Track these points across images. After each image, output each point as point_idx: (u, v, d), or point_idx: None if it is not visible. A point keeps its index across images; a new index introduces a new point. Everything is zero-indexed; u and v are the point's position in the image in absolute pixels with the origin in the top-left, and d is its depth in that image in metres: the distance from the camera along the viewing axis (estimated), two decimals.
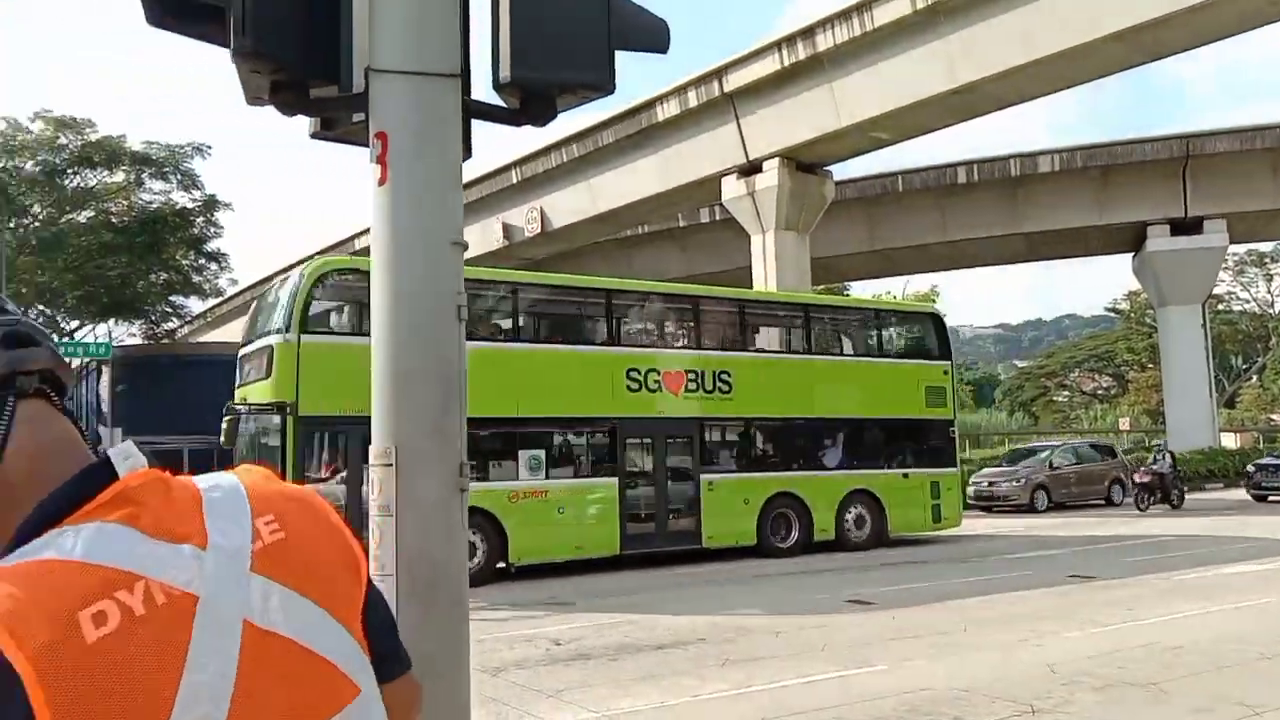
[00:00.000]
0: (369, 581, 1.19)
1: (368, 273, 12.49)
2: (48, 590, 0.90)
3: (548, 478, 14.79)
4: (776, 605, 11.38)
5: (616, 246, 37.39)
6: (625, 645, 9.22)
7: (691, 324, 17.39)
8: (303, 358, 13.09)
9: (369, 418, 10.55)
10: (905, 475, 17.91)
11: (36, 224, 27.10)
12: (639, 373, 15.65)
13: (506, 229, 32.22)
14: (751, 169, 25.84)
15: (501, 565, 14.44)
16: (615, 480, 15.45)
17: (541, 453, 14.91)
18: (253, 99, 2.33)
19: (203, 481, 1.10)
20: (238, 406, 13.99)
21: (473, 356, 12.15)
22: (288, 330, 13.26)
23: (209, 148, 29.58)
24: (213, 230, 30.17)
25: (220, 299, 40.53)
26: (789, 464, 17.26)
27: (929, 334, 19.52)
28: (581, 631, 9.92)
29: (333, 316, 15.22)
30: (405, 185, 2.24)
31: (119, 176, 28.44)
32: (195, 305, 40.20)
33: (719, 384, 16.29)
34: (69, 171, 27.61)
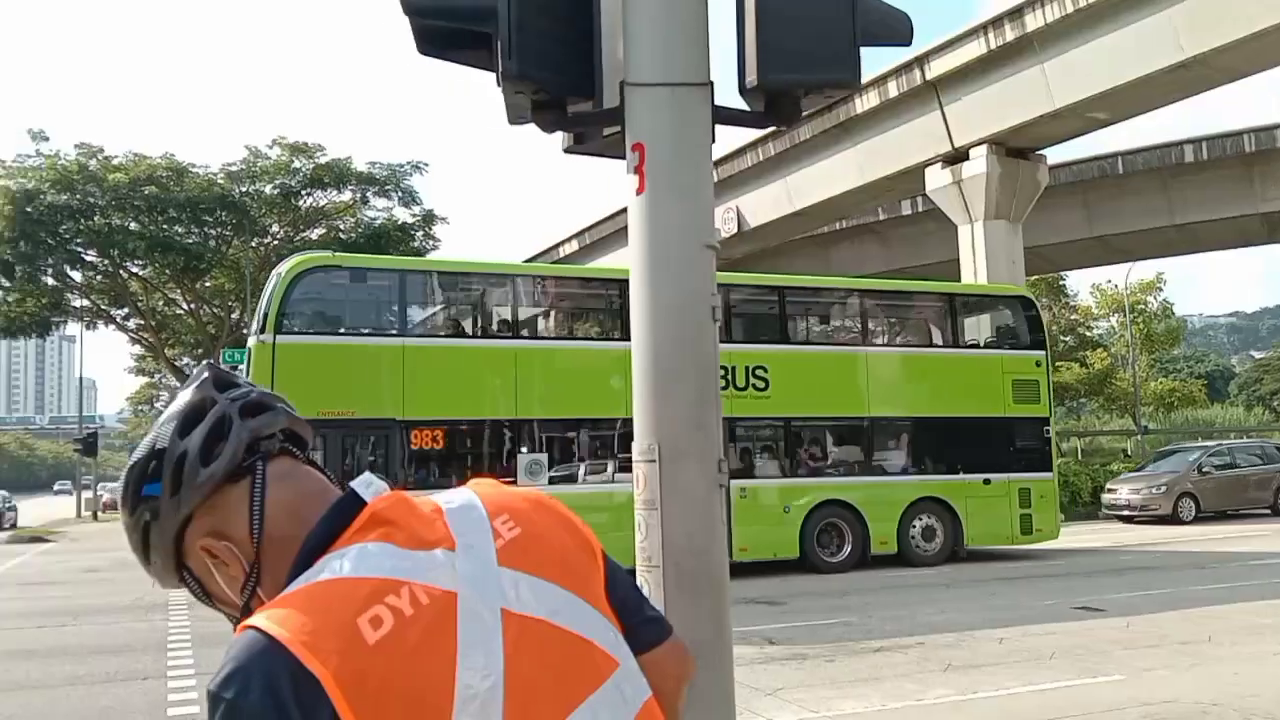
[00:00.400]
0: (606, 559, 1.27)
1: (350, 269, 12.82)
2: (329, 605, 1.04)
3: (550, 483, 13.60)
4: (996, 611, 10.97)
5: (813, 243, 36.95)
6: (841, 646, 9.14)
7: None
8: (278, 359, 12.67)
9: (349, 420, 11.52)
10: (986, 481, 15.74)
11: (276, 242, 29.50)
12: None
13: (740, 215, 32.30)
14: (957, 157, 24.97)
15: None
16: (628, 486, 14.32)
17: (542, 457, 13.82)
18: (515, 119, 2.50)
19: (439, 497, 1.22)
20: None
21: (464, 354, 12.94)
22: (263, 331, 12.88)
23: (426, 165, 31.31)
24: (430, 243, 31.87)
25: None
26: (840, 469, 15.61)
27: (1018, 320, 17.22)
28: (795, 631, 9.89)
29: (313, 316, 14.47)
30: (662, 193, 2.34)
31: (346, 195, 30.54)
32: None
33: (753, 380, 14.69)
34: (302, 193, 29.89)
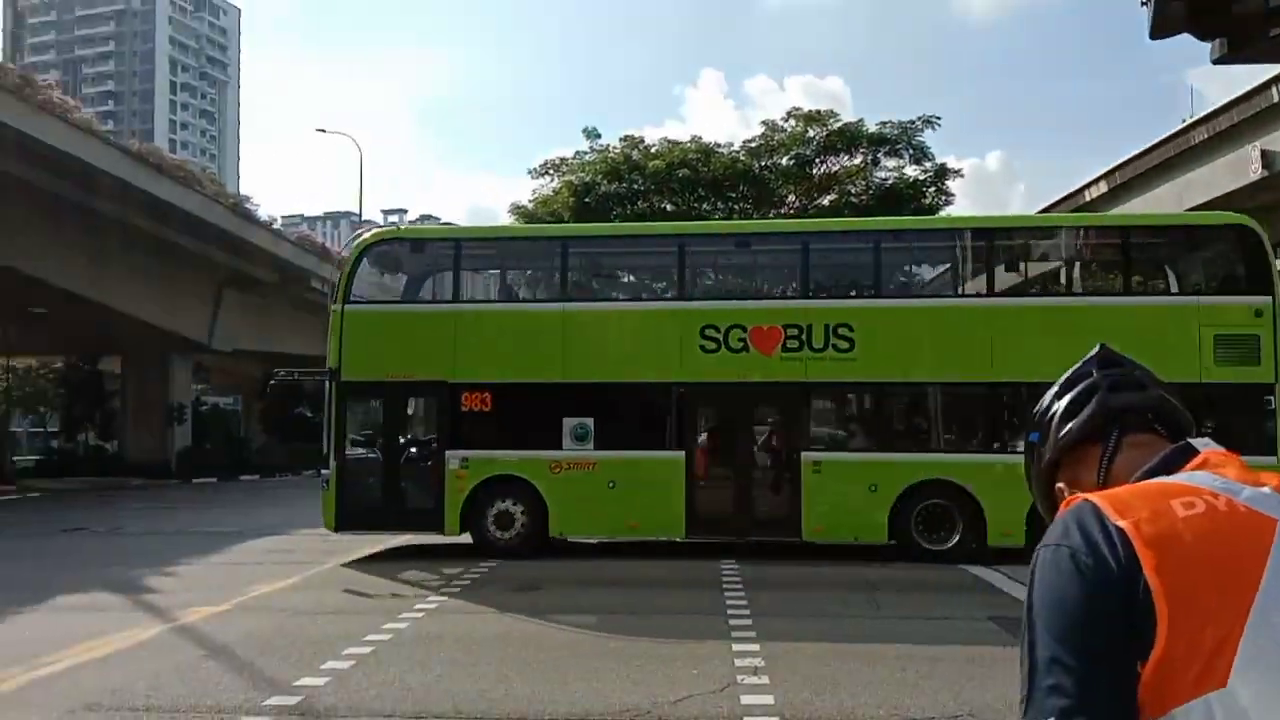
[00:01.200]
0: None
1: (411, 241, 14.44)
2: (1145, 490, 1.24)
3: (597, 448, 13.61)
4: None
5: None
6: None
7: (792, 268, 14.75)
8: (346, 326, 13.73)
9: (408, 382, 13.19)
10: None
11: (791, 212, 30.68)
12: (717, 330, 13.46)
13: (1266, 156, 27.99)
14: None
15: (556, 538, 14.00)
16: (681, 455, 13.55)
17: (589, 421, 13.69)
18: (1160, 32, 2.30)
19: None
20: (279, 373, 15.29)
21: (513, 318, 14.28)
22: (334, 300, 14.14)
23: (939, 119, 30.47)
24: (943, 199, 31.09)
25: None
26: (948, 443, 13.73)
27: (1230, 258, 13.50)
28: None
29: (379, 285, 15.68)
30: None
31: (857, 159, 30.86)
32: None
33: (834, 340, 13.28)
34: (816, 160, 30.75)
